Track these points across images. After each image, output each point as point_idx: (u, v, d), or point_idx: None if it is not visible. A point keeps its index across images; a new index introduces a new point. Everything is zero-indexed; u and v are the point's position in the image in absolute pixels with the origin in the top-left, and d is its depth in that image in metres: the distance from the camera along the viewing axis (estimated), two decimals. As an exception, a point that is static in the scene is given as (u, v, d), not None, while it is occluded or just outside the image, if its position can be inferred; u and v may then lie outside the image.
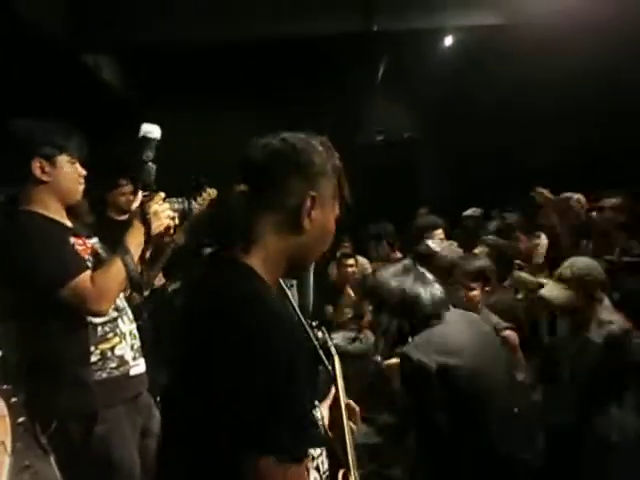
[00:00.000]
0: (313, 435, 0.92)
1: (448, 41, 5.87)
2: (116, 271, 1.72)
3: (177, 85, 6.07)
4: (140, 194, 1.83)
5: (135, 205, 1.83)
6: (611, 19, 3.67)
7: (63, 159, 1.80)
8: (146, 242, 1.80)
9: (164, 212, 1.83)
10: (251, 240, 1.01)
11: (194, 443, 0.91)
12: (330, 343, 1.60)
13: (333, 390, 1.37)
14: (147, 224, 1.78)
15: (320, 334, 1.64)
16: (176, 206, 1.95)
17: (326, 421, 1.29)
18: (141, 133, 1.83)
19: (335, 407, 1.33)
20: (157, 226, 1.80)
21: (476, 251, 3.44)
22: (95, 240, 1.92)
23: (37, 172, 1.75)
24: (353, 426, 1.35)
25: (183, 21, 4.88)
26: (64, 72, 4.83)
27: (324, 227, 1.06)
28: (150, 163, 1.82)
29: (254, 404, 0.84)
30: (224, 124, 6.29)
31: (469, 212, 4.87)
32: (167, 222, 1.84)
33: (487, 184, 5.90)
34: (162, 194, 1.85)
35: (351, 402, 1.37)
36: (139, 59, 5.99)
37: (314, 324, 1.69)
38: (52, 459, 1.78)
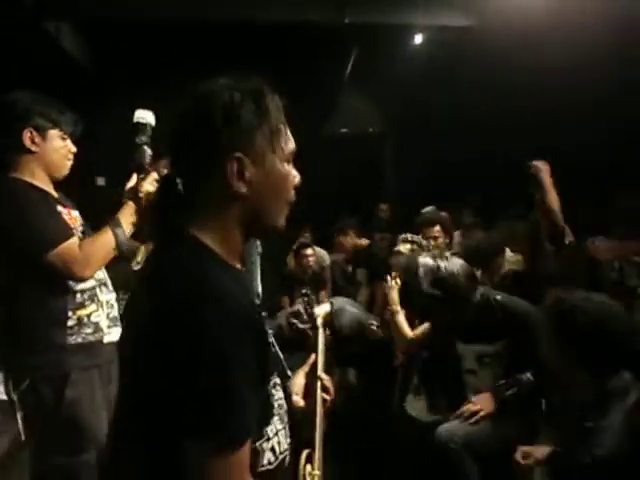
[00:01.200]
0: (252, 421, 0.87)
1: (418, 39, 5.93)
2: (105, 240, 1.81)
3: (141, 60, 5.93)
4: (135, 175, 1.92)
5: (129, 185, 1.92)
6: (582, 21, 3.75)
7: (55, 133, 1.86)
8: (139, 221, 1.89)
9: (149, 183, 1.92)
10: (196, 215, 0.95)
11: (138, 427, 0.89)
12: (317, 314, 1.61)
13: (312, 358, 1.35)
14: (139, 203, 1.88)
15: (307, 304, 1.66)
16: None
17: (300, 389, 1.28)
18: (135, 119, 1.93)
19: (312, 377, 1.32)
20: (145, 190, 1.90)
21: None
22: (76, 213, 1.97)
23: (27, 142, 1.81)
24: (327, 397, 1.32)
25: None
26: (25, 38, 4.66)
27: (270, 180, 0.95)
28: (145, 146, 1.91)
29: (188, 391, 0.81)
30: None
31: (428, 209, 4.95)
32: (153, 187, 1.91)
33: (449, 182, 6.02)
34: (155, 175, 1.92)
35: (324, 376, 1.33)
36: (103, 31, 5.82)
37: (304, 292, 1.73)
38: (18, 416, 1.78)
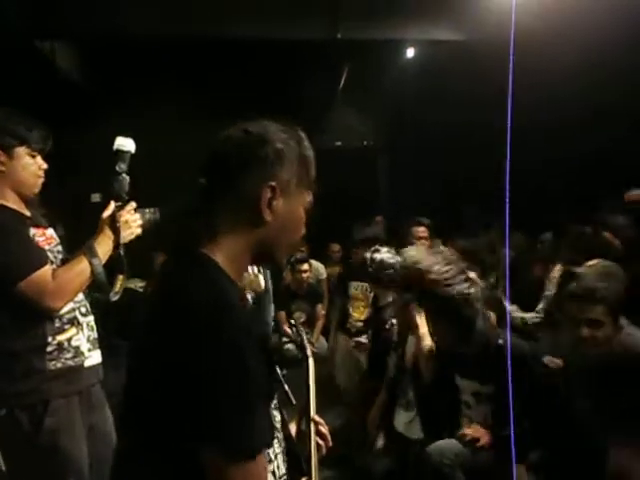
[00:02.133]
0: (266, 432, 0.90)
1: (410, 53, 6.01)
2: (80, 270, 1.74)
3: (136, 78, 5.96)
4: (112, 203, 1.86)
5: (106, 214, 1.85)
6: (575, 34, 3.81)
7: (22, 150, 1.76)
8: (115, 249, 1.83)
9: (135, 221, 1.88)
10: (213, 233, 0.99)
11: (152, 435, 0.89)
12: (306, 343, 1.56)
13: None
14: (117, 232, 1.82)
15: (297, 334, 1.61)
16: (147, 216, 1.96)
17: (294, 427, 1.24)
18: (115, 146, 1.87)
19: (304, 418, 1.25)
20: (127, 234, 1.86)
21: None
22: (51, 231, 1.90)
23: None
24: (321, 442, 1.24)
25: (149, 15, 4.81)
26: (19, 56, 4.68)
27: (290, 217, 1.03)
28: (123, 174, 1.86)
29: (205, 399, 0.83)
30: (179, 119, 6.22)
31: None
32: (137, 231, 1.89)
33: (442, 195, 6.05)
34: (133, 204, 1.89)
35: (317, 418, 1.26)
36: (97, 49, 5.87)
37: (292, 322, 1.70)
38: None
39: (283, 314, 5.04)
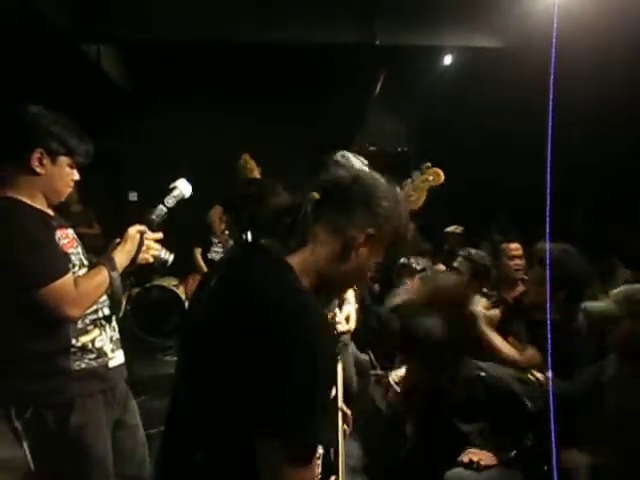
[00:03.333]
0: (325, 434, 0.95)
1: (447, 60, 5.96)
2: (100, 281, 1.75)
3: (178, 83, 6.09)
4: (137, 226, 1.89)
5: (135, 229, 1.87)
6: (616, 39, 3.72)
7: (65, 160, 1.76)
8: (129, 266, 1.86)
9: (154, 250, 1.92)
10: (302, 244, 1.04)
11: (215, 421, 0.93)
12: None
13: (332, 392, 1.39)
14: (139, 249, 1.85)
15: None
16: (162, 254, 2.00)
17: None
18: (175, 184, 1.97)
19: (333, 409, 1.35)
20: (142, 258, 1.89)
21: (455, 264, 3.58)
22: (72, 231, 1.88)
23: (34, 162, 1.70)
24: (346, 429, 1.38)
25: (190, 20, 4.90)
26: (66, 60, 4.83)
27: (363, 266, 1.09)
28: (165, 208, 1.94)
29: (279, 393, 0.86)
30: (220, 125, 6.32)
31: (451, 229, 4.93)
32: (150, 260, 1.92)
33: (478, 201, 5.97)
34: (160, 235, 1.94)
35: (344, 407, 1.40)
36: (140, 52, 6.01)
37: None
38: (25, 446, 1.73)
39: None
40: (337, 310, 2.47)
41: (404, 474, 2.43)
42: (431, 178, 2.49)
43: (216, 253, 4.79)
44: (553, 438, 1.16)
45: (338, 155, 1.98)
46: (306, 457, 0.87)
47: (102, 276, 1.75)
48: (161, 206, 1.92)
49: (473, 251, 3.65)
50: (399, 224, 1.11)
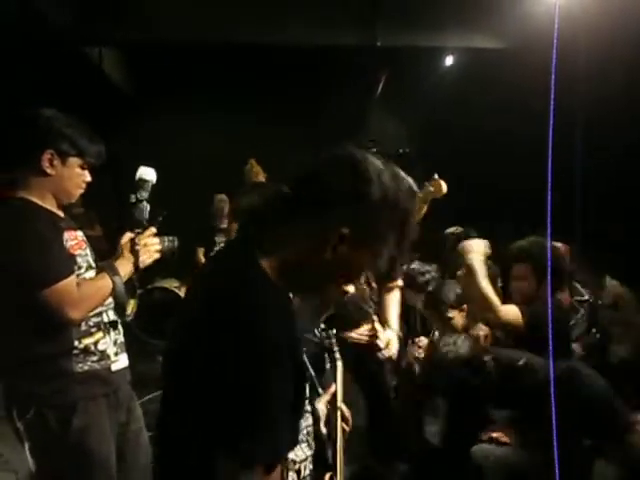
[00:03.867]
0: (288, 440, 0.89)
1: (449, 61, 5.96)
2: (102, 285, 1.75)
3: (178, 84, 6.10)
4: (129, 231, 1.89)
5: (124, 240, 1.88)
6: (618, 41, 3.71)
7: (75, 161, 1.77)
8: (134, 272, 1.86)
9: (153, 246, 1.91)
10: (274, 242, 0.96)
11: (178, 433, 0.91)
12: (335, 348, 1.66)
13: (333, 388, 1.39)
14: (136, 255, 1.84)
15: (326, 338, 1.70)
16: (166, 243, 2.00)
17: (323, 416, 1.29)
18: (137, 175, 1.94)
19: (332, 406, 1.35)
20: (145, 258, 1.88)
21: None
22: (81, 233, 1.89)
23: (45, 163, 1.71)
24: (346, 427, 1.37)
25: (192, 22, 4.91)
26: (67, 62, 4.84)
27: (345, 266, 0.97)
28: (144, 202, 1.92)
29: (230, 404, 0.82)
30: (221, 126, 6.33)
31: (451, 230, 4.92)
32: (156, 256, 1.91)
33: (479, 203, 5.96)
34: (153, 229, 1.92)
35: (343, 407, 1.39)
36: (142, 55, 6.03)
37: (322, 327, 1.75)
38: (26, 447, 1.74)
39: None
40: (378, 328, 2.46)
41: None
42: (432, 189, 2.50)
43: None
44: (554, 426, 1.16)
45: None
46: (266, 461, 0.84)
47: (104, 281, 1.76)
48: (138, 203, 1.92)
49: None
50: (393, 217, 0.95)
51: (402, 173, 0.98)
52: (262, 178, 3.78)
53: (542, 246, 2.28)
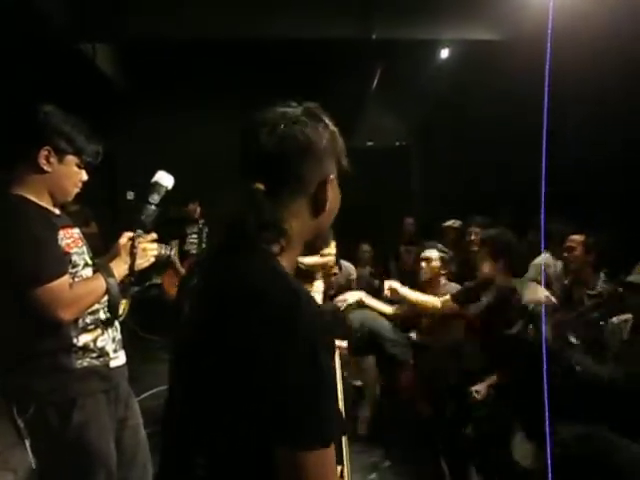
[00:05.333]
0: (339, 422, 0.89)
1: (444, 53, 5.95)
2: (95, 286, 1.74)
3: (173, 80, 6.08)
4: (129, 232, 1.87)
5: (124, 240, 1.86)
6: (612, 32, 3.71)
7: (72, 159, 1.77)
8: (129, 274, 1.85)
9: (152, 251, 1.90)
10: (279, 234, 0.97)
11: (218, 427, 0.88)
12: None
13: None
14: (133, 258, 1.83)
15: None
16: (163, 251, 2.00)
17: None
18: (154, 178, 1.89)
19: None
20: (142, 262, 1.88)
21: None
22: (77, 231, 1.88)
23: (42, 160, 1.70)
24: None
25: (183, 17, 4.89)
26: (61, 58, 4.82)
27: (335, 207, 1.05)
28: (153, 206, 1.88)
29: (284, 394, 0.82)
30: (217, 122, 6.31)
31: (449, 223, 4.93)
32: (151, 260, 1.91)
33: (476, 195, 5.97)
34: (154, 235, 1.91)
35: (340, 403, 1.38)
36: (135, 51, 6.00)
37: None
38: (27, 444, 1.74)
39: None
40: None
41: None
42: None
43: (191, 244, 4.76)
44: (546, 411, 1.16)
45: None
46: (320, 442, 0.83)
47: (98, 282, 1.75)
48: (148, 205, 1.88)
49: None
50: (336, 147, 1.03)
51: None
52: None
53: (498, 234, 3.08)
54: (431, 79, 6.33)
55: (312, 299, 0.90)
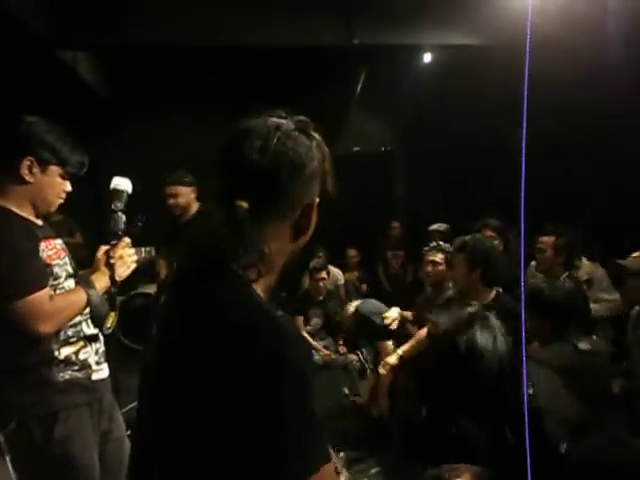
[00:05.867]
0: (327, 450, 0.86)
1: (427, 58, 6.00)
2: (76, 299, 1.73)
3: (156, 87, 6.05)
4: (102, 248, 1.87)
5: (100, 253, 1.86)
6: (589, 44, 3.77)
7: (56, 170, 1.75)
8: (111, 285, 1.84)
9: (130, 257, 1.89)
10: (258, 258, 0.91)
11: (195, 468, 0.83)
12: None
13: None
14: (111, 269, 1.82)
15: None
16: (143, 254, 2.00)
17: None
18: (112, 185, 1.90)
19: None
20: (123, 270, 1.87)
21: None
22: (60, 242, 1.86)
23: (24, 170, 1.69)
24: None
25: (166, 25, 4.88)
26: (42, 67, 4.78)
27: (312, 230, 0.99)
28: (119, 213, 1.88)
29: (272, 430, 0.78)
30: (198, 129, 6.29)
31: (435, 227, 4.96)
32: (133, 266, 1.90)
33: (460, 200, 6.01)
34: (127, 240, 1.90)
35: None
36: (117, 59, 5.97)
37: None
38: (7, 459, 1.71)
39: (301, 320, 5.05)
40: None
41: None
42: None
43: None
44: (527, 433, 1.16)
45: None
46: (320, 467, 0.80)
47: (78, 294, 1.74)
48: (113, 214, 1.89)
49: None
50: (323, 169, 0.97)
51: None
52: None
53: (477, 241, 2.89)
54: (414, 84, 6.37)
55: (295, 334, 0.86)
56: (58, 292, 1.74)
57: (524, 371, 1.27)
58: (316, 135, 0.98)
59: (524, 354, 1.25)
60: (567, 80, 3.97)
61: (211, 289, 0.88)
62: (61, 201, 1.83)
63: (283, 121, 0.95)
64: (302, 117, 0.99)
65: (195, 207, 3.65)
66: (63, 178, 1.78)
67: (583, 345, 2.26)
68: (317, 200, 0.97)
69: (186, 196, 3.62)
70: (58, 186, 1.78)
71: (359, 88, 6.74)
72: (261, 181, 0.90)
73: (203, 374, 0.82)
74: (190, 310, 0.90)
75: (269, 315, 0.85)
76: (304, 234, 0.96)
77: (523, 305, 1.38)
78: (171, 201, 3.59)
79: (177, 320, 0.92)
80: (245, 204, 0.88)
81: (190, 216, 3.63)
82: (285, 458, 0.78)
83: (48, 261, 1.74)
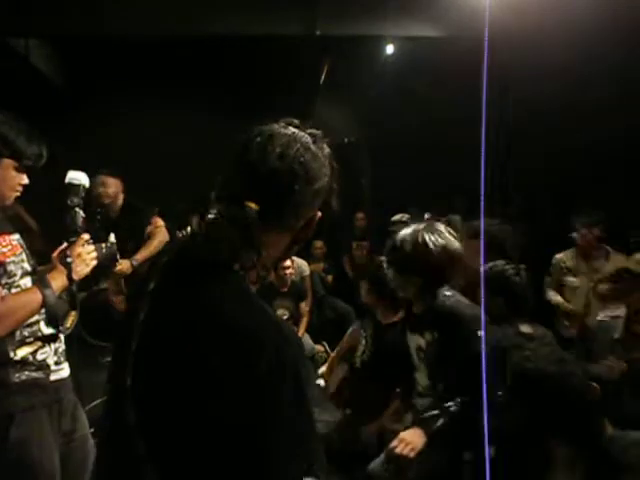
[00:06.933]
0: (317, 451, 0.88)
1: (390, 49, 6.03)
2: (30, 299, 1.65)
3: (109, 76, 5.91)
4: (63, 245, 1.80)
5: (57, 252, 1.79)
6: (554, 37, 3.85)
7: (9, 162, 1.68)
8: (69, 284, 1.76)
9: (89, 254, 1.81)
10: (255, 257, 0.91)
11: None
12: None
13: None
14: (68, 268, 1.74)
15: None
16: (103, 250, 1.92)
17: None
18: (67, 180, 1.83)
19: None
20: (81, 268, 1.78)
21: None
22: (17, 237, 1.79)
23: None
24: None
25: (123, 14, 4.76)
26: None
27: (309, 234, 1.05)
28: (76, 208, 1.81)
29: (259, 436, 0.79)
30: (158, 117, 6.17)
31: (397, 217, 5.01)
32: (92, 264, 1.81)
33: (423, 190, 6.08)
34: (86, 236, 1.82)
35: None
36: (71, 47, 5.81)
37: None
38: None
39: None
40: None
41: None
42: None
43: None
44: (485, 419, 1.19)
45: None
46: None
47: (31, 295, 1.65)
48: (70, 209, 1.82)
49: None
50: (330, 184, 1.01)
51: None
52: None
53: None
54: (377, 75, 6.40)
55: (292, 330, 0.91)
56: (13, 291, 1.68)
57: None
58: (327, 149, 1.00)
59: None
60: (530, 70, 4.05)
61: (211, 289, 0.88)
62: (16, 194, 1.75)
63: (301, 133, 0.97)
64: (314, 130, 1.01)
65: (121, 199, 3.69)
66: (18, 171, 1.70)
67: (525, 329, 2.45)
68: (319, 214, 1.01)
69: (114, 186, 3.66)
70: (12, 179, 1.70)
71: (322, 79, 6.73)
72: (276, 187, 0.92)
73: (203, 374, 0.82)
74: (189, 310, 0.87)
75: (272, 318, 0.88)
76: (299, 245, 1.00)
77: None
78: (100, 189, 3.59)
79: (172, 321, 0.88)
80: (255, 206, 0.89)
81: (118, 208, 3.67)
82: (280, 460, 0.80)
83: (1, 258, 1.67)
